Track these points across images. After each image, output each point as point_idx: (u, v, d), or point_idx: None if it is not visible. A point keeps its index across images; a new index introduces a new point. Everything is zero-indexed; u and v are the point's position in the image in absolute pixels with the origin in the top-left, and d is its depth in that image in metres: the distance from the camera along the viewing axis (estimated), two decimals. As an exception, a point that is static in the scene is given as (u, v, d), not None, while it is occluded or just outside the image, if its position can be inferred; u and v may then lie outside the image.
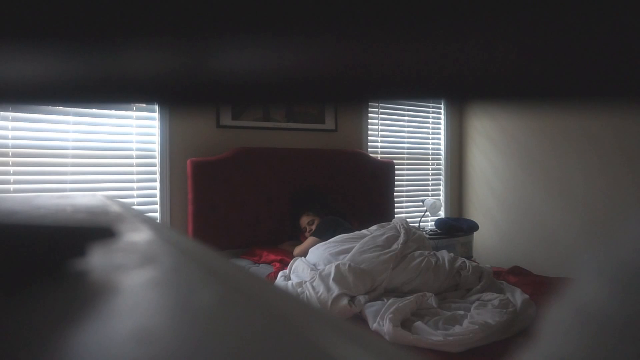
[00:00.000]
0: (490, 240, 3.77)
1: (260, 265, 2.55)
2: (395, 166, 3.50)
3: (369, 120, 3.52)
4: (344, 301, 1.82)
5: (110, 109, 2.58)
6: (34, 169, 2.39)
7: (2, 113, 2.30)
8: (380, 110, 3.59)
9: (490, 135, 3.82)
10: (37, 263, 0.26)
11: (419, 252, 2.13)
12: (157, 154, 2.72)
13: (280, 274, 2.24)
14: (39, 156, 2.39)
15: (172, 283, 0.27)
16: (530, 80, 0.16)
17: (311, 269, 2.10)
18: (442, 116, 3.94)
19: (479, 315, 1.69)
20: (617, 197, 2.97)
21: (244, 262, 2.61)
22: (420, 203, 3.61)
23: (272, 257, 2.56)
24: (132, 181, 2.67)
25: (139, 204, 2.70)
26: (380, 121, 3.60)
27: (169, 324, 0.20)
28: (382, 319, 1.67)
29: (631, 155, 2.93)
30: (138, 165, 2.68)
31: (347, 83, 0.19)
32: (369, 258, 2.03)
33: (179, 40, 0.18)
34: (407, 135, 3.76)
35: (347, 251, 2.15)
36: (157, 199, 2.73)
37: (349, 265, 1.96)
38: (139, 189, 2.70)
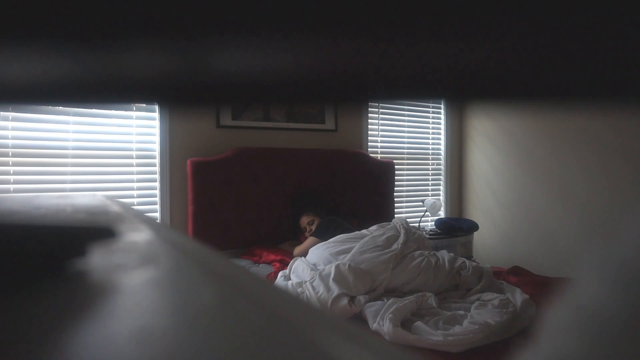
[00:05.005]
0: (490, 240, 3.77)
1: (260, 265, 2.55)
2: (395, 166, 3.50)
3: (369, 120, 3.52)
4: (344, 301, 1.82)
5: (110, 109, 2.58)
6: (34, 169, 2.38)
7: (2, 113, 2.29)
8: (380, 110, 3.59)
9: (490, 135, 3.81)
10: (37, 263, 0.26)
11: (419, 252, 2.13)
12: (157, 154, 2.72)
13: (280, 274, 2.23)
14: (39, 156, 2.39)
15: (172, 283, 0.27)
16: (530, 80, 0.16)
17: (311, 269, 2.10)
18: (442, 116, 3.94)
19: (479, 315, 1.69)
20: (617, 197, 2.97)
21: (244, 262, 2.61)
22: (420, 203, 3.61)
23: (272, 257, 2.56)
24: (132, 181, 2.67)
25: (139, 204, 2.70)
26: (380, 121, 3.60)
27: (169, 324, 0.20)
28: (382, 319, 1.67)
29: (631, 155, 2.93)
30: (138, 165, 2.68)
31: (347, 83, 0.19)
32: (369, 258, 2.03)
33: (179, 40, 0.18)
34: (407, 135, 3.76)
35: (347, 251, 2.15)
36: (157, 199, 2.73)
37: (349, 265, 1.96)
38: (139, 189, 2.70)
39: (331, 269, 1.94)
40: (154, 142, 2.71)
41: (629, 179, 2.94)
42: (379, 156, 3.56)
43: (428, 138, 3.91)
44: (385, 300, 1.80)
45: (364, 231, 2.34)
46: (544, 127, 3.41)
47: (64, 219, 0.51)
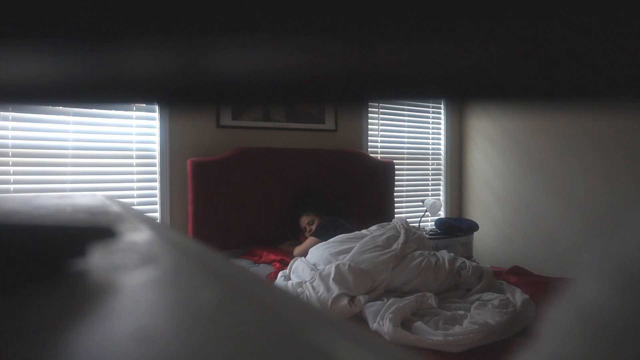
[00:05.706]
0: (490, 240, 3.76)
1: (260, 265, 2.55)
2: (395, 166, 3.50)
3: (369, 120, 3.52)
4: (344, 301, 1.82)
5: (110, 109, 2.58)
6: (34, 169, 2.38)
7: (2, 113, 2.30)
8: (380, 110, 3.59)
9: (490, 135, 3.81)
10: (37, 263, 0.26)
11: (419, 252, 2.13)
12: (157, 154, 2.72)
13: (280, 274, 2.24)
14: (39, 156, 2.39)
15: (172, 283, 0.27)
16: (530, 80, 0.16)
17: (311, 269, 2.10)
18: (442, 116, 3.94)
19: (479, 315, 1.68)
20: (617, 197, 2.97)
21: (244, 262, 2.61)
22: (420, 203, 3.61)
23: (272, 257, 2.56)
24: (132, 181, 2.67)
25: (139, 204, 2.70)
26: (380, 121, 3.60)
27: (169, 324, 0.20)
28: (382, 319, 1.67)
29: (631, 155, 2.93)
30: (138, 165, 2.68)
31: (347, 83, 0.19)
32: (369, 258, 2.03)
33: (179, 40, 0.18)
34: (407, 135, 3.76)
35: (347, 251, 2.15)
36: (157, 199, 2.73)
37: (349, 265, 1.96)
38: (139, 189, 2.70)
39: (331, 269, 1.94)
40: (154, 142, 2.71)
41: (629, 179, 2.94)
42: (379, 156, 3.55)
43: (428, 138, 3.91)
44: (385, 300, 1.80)
45: (364, 231, 2.34)
46: (544, 127, 3.41)
47: (64, 219, 0.51)
